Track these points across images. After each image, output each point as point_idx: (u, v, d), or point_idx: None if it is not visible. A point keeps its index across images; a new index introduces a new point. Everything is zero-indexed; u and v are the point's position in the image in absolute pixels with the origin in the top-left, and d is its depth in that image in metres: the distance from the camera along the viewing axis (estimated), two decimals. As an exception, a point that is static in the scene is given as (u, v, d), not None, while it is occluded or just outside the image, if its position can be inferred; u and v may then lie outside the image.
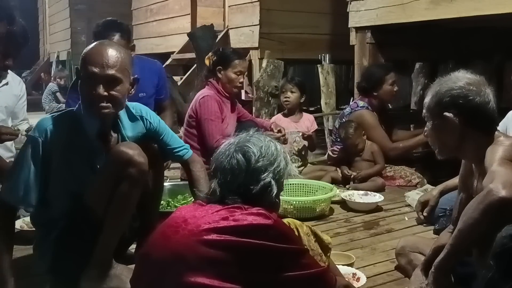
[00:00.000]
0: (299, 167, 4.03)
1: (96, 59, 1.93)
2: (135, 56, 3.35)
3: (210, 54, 3.91)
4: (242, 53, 4.10)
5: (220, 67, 3.69)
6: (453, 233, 1.66)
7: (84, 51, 2.00)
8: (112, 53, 1.95)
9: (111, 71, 1.93)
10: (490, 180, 1.58)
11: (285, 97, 4.14)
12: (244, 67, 3.82)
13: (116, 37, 3.14)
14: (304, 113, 4.29)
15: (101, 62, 1.92)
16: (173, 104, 3.83)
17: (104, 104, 1.93)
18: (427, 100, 1.87)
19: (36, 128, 1.99)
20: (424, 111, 1.90)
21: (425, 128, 1.94)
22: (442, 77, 1.87)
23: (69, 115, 2.04)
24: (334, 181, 3.70)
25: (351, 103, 4.43)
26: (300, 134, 4.08)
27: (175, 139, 2.35)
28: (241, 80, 3.75)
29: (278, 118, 4.26)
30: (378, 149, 3.78)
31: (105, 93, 1.92)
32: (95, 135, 2.04)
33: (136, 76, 2.07)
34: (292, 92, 4.12)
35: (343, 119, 4.00)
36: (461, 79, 1.81)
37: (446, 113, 1.79)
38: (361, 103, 3.97)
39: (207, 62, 3.88)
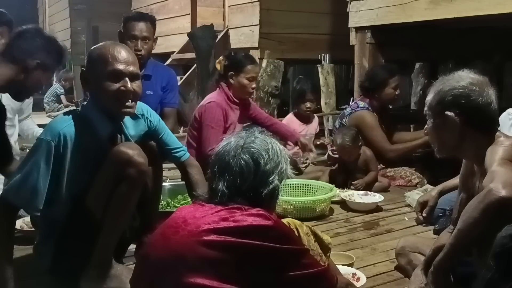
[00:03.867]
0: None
1: (120, 57, 1.98)
2: (152, 59, 3.53)
3: (221, 58, 3.82)
4: (254, 57, 4.04)
5: (232, 72, 3.59)
6: (453, 233, 1.66)
7: (98, 51, 2.03)
8: (129, 51, 2.05)
9: (134, 67, 2.02)
10: (490, 180, 1.58)
11: (307, 108, 4.18)
12: (256, 72, 3.74)
13: (148, 23, 3.39)
14: (315, 115, 4.31)
15: (125, 59, 1.99)
16: (178, 116, 3.82)
17: (129, 103, 2.00)
18: (429, 98, 1.87)
19: (48, 131, 1.97)
20: (425, 109, 1.89)
21: (426, 126, 1.93)
22: (445, 76, 1.87)
23: (79, 116, 2.03)
24: (331, 180, 3.69)
25: (351, 103, 4.43)
26: (310, 136, 4.09)
27: (174, 139, 2.37)
28: (254, 86, 3.67)
29: (290, 119, 4.25)
30: (371, 156, 3.69)
31: (132, 88, 1.98)
32: (106, 136, 2.05)
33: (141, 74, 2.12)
34: (312, 102, 4.19)
35: (344, 119, 3.99)
36: (464, 78, 1.81)
37: (448, 112, 1.78)
38: (361, 104, 3.97)
39: (218, 66, 3.80)
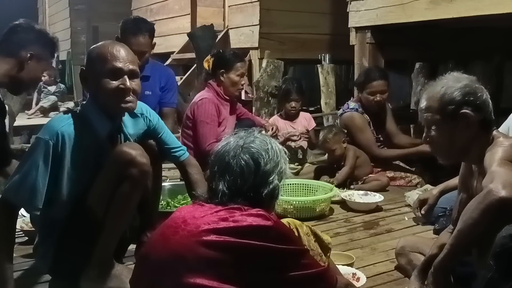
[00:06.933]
0: (297, 165, 4.06)
1: (119, 55, 2.00)
2: (150, 58, 3.50)
3: (208, 57, 3.91)
4: (241, 54, 4.12)
5: (222, 70, 3.67)
6: (453, 233, 1.66)
7: (97, 50, 2.04)
8: (128, 50, 2.06)
9: (133, 66, 2.03)
10: (490, 180, 1.57)
11: (292, 107, 4.20)
12: (245, 69, 3.85)
13: (146, 36, 3.32)
14: (301, 112, 4.33)
15: (124, 58, 2.01)
16: (177, 116, 3.84)
17: (130, 98, 2.01)
18: (432, 103, 1.82)
19: (46, 130, 1.97)
20: (427, 115, 1.84)
21: (426, 135, 1.88)
22: (435, 80, 1.86)
23: (78, 115, 2.04)
24: (317, 177, 3.73)
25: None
26: (298, 134, 4.12)
27: (173, 139, 2.38)
28: (243, 82, 3.76)
29: (275, 119, 4.31)
30: (352, 153, 3.70)
31: (131, 87, 2.00)
32: (105, 135, 2.05)
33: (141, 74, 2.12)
34: (297, 102, 4.21)
35: (337, 121, 4.02)
36: (461, 78, 1.81)
37: (465, 110, 1.77)
38: (351, 105, 3.92)
39: (205, 65, 3.88)
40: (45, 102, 8.15)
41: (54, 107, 8.12)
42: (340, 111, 4.03)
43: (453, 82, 1.80)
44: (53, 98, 8.25)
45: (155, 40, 3.51)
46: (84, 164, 1.99)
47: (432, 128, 1.85)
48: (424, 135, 1.91)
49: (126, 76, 1.99)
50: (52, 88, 8.52)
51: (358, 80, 3.95)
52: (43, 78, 8.63)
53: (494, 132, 1.83)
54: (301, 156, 4.21)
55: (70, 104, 8.31)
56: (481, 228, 1.56)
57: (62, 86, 9.01)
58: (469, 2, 3.61)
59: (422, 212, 2.84)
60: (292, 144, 4.11)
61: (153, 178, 2.24)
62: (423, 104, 1.87)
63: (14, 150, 3.92)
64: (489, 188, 1.53)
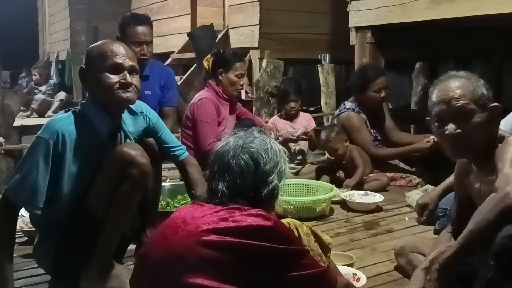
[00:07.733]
0: (297, 165, 4.06)
1: (119, 52, 2.03)
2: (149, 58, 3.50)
3: (208, 56, 3.91)
4: (241, 54, 4.12)
5: (221, 69, 3.68)
6: (463, 233, 1.63)
7: (97, 48, 2.06)
8: (127, 48, 2.09)
9: (133, 62, 2.06)
10: (505, 182, 1.56)
11: (291, 108, 4.19)
12: (245, 69, 3.86)
13: (147, 25, 3.36)
14: (301, 112, 4.32)
15: (124, 54, 2.03)
16: (178, 116, 3.85)
17: (130, 90, 2.03)
18: (466, 92, 1.75)
19: (46, 129, 1.97)
20: (462, 104, 1.74)
21: (458, 125, 1.76)
22: (451, 76, 1.84)
23: (79, 114, 2.04)
24: (318, 177, 3.73)
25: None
26: (297, 133, 4.11)
27: (172, 138, 2.39)
28: (242, 82, 3.76)
29: (275, 120, 4.31)
30: (357, 153, 3.70)
31: (131, 81, 2.01)
32: (105, 134, 2.05)
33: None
34: (296, 102, 4.20)
35: (334, 121, 4.01)
36: (477, 77, 1.82)
37: (497, 104, 1.77)
38: (348, 105, 3.92)
39: (205, 64, 3.88)
40: (34, 103, 8.18)
41: (45, 106, 8.07)
42: (337, 112, 4.04)
43: (475, 78, 1.80)
44: (39, 97, 8.25)
45: (155, 40, 3.52)
46: (85, 163, 1.99)
47: (461, 118, 1.76)
48: (445, 129, 1.78)
49: (126, 72, 2.00)
50: (43, 88, 8.52)
51: (357, 82, 3.91)
52: (33, 77, 8.67)
53: (500, 131, 1.82)
54: (300, 157, 4.20)
55: (62, 95, 8.34)
56: (493, 230, 1.54)
57: (52, 82, 8.99)
58: (469, 2, 3.61)
59: (424, 217, 2.84)
60: (292, 144, 4.10)
61: (153, 178, 2.24)
62: (451, 94, 1.76)
63: (14, 150, 3.92)
64: (506, 191, 1.52)
